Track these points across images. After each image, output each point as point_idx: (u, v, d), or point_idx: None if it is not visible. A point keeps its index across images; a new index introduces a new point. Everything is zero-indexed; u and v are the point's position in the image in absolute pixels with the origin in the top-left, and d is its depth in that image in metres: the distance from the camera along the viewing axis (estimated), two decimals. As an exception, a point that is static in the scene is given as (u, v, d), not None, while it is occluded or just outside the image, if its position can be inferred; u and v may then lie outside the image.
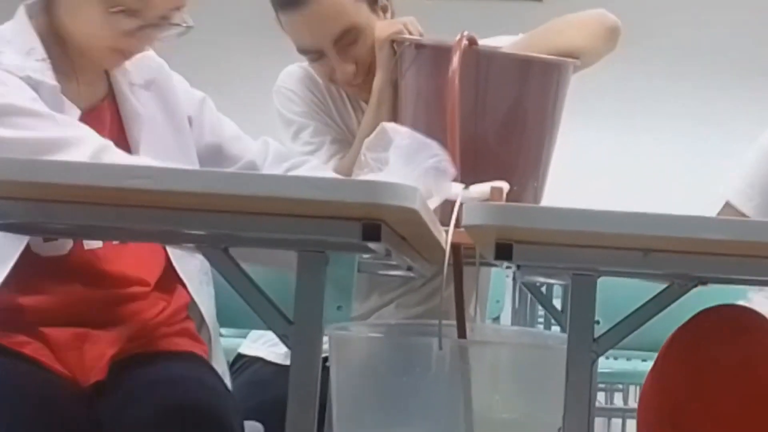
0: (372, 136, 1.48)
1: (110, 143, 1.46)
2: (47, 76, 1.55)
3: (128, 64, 1.68)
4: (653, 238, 1.07)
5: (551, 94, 1.77)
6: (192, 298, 1.70)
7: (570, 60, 1.80)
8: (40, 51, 1.57)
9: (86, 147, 1.41)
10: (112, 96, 1.67)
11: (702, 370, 1.36)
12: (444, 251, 1.34)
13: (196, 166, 1.71)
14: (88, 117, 1.60)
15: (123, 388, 1.50)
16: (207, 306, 1.72)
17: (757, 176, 1.85)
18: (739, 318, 1.40)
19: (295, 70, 2.18)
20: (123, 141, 1.63)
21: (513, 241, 1.13)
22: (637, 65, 6.05)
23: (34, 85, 1.52)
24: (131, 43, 1.60)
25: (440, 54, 1.70)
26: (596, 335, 1.26)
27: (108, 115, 1.66)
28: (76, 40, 1.60)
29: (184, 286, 1.68)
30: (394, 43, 1.92)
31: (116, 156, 1.43)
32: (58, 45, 1.61)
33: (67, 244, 1.57)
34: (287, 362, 1.28)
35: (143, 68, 1.70)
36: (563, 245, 1.14)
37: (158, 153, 1.61)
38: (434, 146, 1.40)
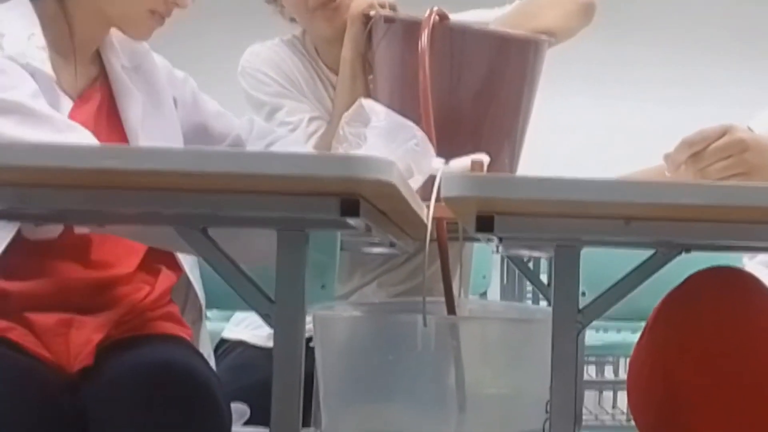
0: (350, 110, 1.47)
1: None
2: (45, 65, 1.56)
3: (118, 47, 1.70)
4: (635, 206, 1.05)
5: (527, 70, 1.76)
6: (177, 280, 1.70)
7: (545, 38, 1.80)
8: (39, 37, 1.58)
9: None
10: (102, 79, 1.68)
11: (695, 331, 1.34)
12: (426, 226, 1.33)
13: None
14: (80, 101, 1.62)
15: (107, 373, 1.49)
16: (199, 287, 1.73)
17: None
18: (731, 278, 1.38)
19: (260, 49, 2.14)
20: (115, 121, 1.64)
21: (494, 212, 1.12)
22: (614, 32, 6.06)
23: (32, 72, 1.53)
24: (167, 4, 1.63)
25: (411, 28, 1.70)
26: (581, 306, 1.25)
27: (99, 96, 1.66)
28: (108, 12, 1.63)
29: (172, 265, 1.67)
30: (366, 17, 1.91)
31: None
32: (61, 27, 1.62)
33: (58, 228, 1.57)
34: (270, 344, 1.27)
35: (131, 53, 1.72)
36: (545, 215, 1.13)
37: (153, 134, 1.63)
38: (412, 127, 1.39)
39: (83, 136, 1.47)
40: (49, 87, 1.55)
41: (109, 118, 1.65)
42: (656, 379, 1.38)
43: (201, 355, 1.63)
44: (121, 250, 1.61)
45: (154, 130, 1.66)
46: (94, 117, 1.61)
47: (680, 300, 1.39)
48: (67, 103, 1.60)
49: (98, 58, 1.70)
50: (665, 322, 1.40)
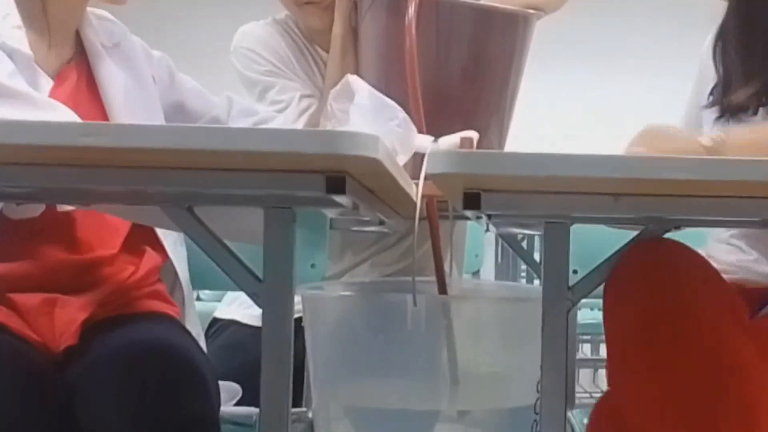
0: (338, 86, 1.46)
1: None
2: (23, 44, 1.54)
3: (97, 26, 1.69)
4: (623, 181, 1.04)
5: (515, 45, 1.75)
6: (165, 260, 1.69)
7: (533, 12, 1.79)
8: (15, 17, 1.56)
9: None
10: (79, 57, 1.67)
11: (628, 307, 1.29)
12: (415, 204, 1.32)
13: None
14: (57, 80, 1.61)
15: (93, 352, 1.48)
16: (181, 266, 1.72)
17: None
18: (659, 250, 1.34)
19: (252, 28, 2.14)
20: (95, 100, 1.63)
21: (481, 189, 1.11)
22: (603, 6, 6.03)
23: (9, 52, 1.51)
24: None
25: (396, 1, 1.69)
26: (572, 283, 1.24)
27: (75, 76, 1.65)
28: None
29: (155, 246, 1.66)
30: None
31: None
32: (35, 5, 1.60)
33: (39, 207, 1.56)
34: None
35: (110, 32, 1.71)
36: (532, 192, 1.12)
37: (134, 112, 1.62)
38: (394, 107, 1.38)
39: (64, 114, 1.45)
40: (28, 66, 1.54)
41: (88, 96, 1.64)
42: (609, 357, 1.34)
43: (189, 333, 1.62)
44: (103, 232, 1.61)
45: (135, 108, 1.65)
46: (72, 96, 1.59)
47: (616, 276, 1.33)
48: (47, 82, 1.59)
49: (74, 38, 1.68)
50: (607, 300, 1.34)
